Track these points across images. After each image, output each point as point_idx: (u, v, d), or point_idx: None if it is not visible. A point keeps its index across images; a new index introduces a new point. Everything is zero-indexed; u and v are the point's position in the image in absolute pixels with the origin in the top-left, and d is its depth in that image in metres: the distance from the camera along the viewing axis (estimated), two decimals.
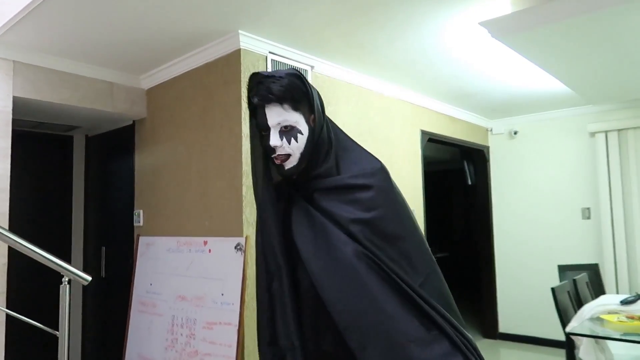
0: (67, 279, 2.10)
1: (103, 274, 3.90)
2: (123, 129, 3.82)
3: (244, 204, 2.73)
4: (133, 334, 3.34)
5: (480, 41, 3.07)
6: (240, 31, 2.80)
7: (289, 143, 1.13)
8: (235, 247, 2.65)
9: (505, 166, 5.60)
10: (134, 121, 3.70)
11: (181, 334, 2.92)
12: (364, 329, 1.03)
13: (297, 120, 1.14)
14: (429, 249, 1.23)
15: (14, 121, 2.92)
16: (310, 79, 3.29)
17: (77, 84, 3.20)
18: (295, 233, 1.15)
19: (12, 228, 2.71)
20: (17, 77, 2.92)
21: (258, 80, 1.15)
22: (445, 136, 4.86)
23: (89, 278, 2.16)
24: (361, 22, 2.76)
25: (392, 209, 1.16)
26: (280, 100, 1.11)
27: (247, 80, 1.19)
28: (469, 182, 5.86)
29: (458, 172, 6.38)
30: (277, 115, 1.12)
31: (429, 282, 1.12)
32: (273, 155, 1.15)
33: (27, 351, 2.95)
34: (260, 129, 1.17)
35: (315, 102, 1.18)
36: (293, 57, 3.15)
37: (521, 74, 3.85)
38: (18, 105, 2.99)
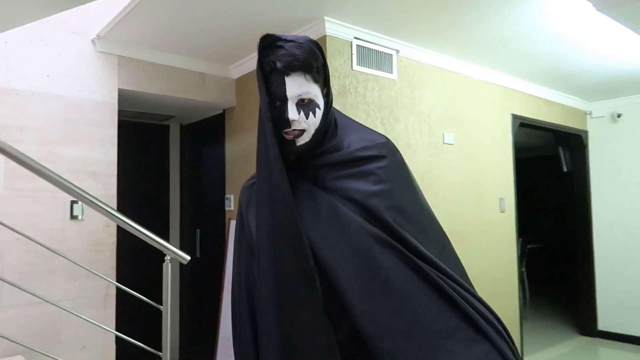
0: (169, 258, 2.26)
1: (198, 254, 4.15)
2: (214, 117, 4.01)
3: None
4: (226, 313, 3.52)
5: (582, 15, 2.84)
6: (325, 17, 2.81)
7: (307, 117, 1.01)
8: None
9: (606, 152, 5.17)
10: (224, 110, 3.87)
11: None
12: (381, 321, 0.93)
13: (317, 93, 1.02)
14: (439, 222, 1.14)
15: (118, 112, 3.17)
16: (395, 63, 3.24)
17: (173, 75, 3.40)
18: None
19: (119, 210, 2.96)
20: (121, 71, 3.16)
21: (277, 44, 1.00)
22: (539, 120, 4.58)
23: (188, 258, 2.31)
24: (450, 3, 2.66)
25: (406, 180, 1.08)
26: (305, 69, 0.98)
27: (259, 40, 1.02)
28: (565, 170, 5.49)
29: (552, 158, 6.00)
30: (298, 86, 0.99)
31: (444, 256, 1.04)
32: (286, 130, 1.01)
33: (132, 323, 3.22)
34: (272, 99, 1.01)
35: (328, 74, 1.08)
36: (378, 41, 3.12)
37: (627, 51, 3.52)
38: (122, 97, 3.24)
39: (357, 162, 1.03)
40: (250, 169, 3.49)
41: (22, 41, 2.78)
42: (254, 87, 3.51)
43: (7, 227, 2.00)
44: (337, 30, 2.90)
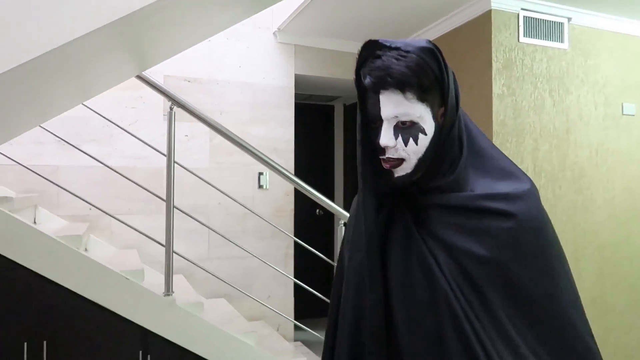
0: (342, 222, 2.56)
1: None
2: None
3: None
4: None
5: None
6: None
7: (406, 145, 0.80)
8: None
9: None
10: None
11: None
12: None
13: (422, 114, 0.80)
14: (584, 310, 0.84)
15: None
16: (566, 31, 3.09)
17: (341, 59, 3.70)
18: (388, 259, 0.85)
19: None
20: (297, 59, 3.56)
21: (375, 53, 0.81)
22: None
23: None
24: None
25: (540, 253, 0.80)
26: (403, 86, 0.78)
27: (361, 48, 0.83)
28: None
29: None
30: (395, 106, 0.79)
31: None
32: (382, 157, 0.83)
33: (306, 279, 3.67)
34: (369, 119, 0.84)
35: (450, 90, 0.83)
36: (547, 10, 3.00)
37: None
38: (297, 82, 3.65)
39: (474, 214, 0.81)
40: None
41: (220, 39, 3.32)
42: None
43: (221, 191, 2.50)
44: (502, 3, 2.88)
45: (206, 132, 3.23)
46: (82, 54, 1.35)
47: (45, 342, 1.99)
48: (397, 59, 0.78)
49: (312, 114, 4.74)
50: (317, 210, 4.33)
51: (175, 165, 2.29)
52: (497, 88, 2.86)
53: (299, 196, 3.14)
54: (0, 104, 1.44)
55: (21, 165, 2.34)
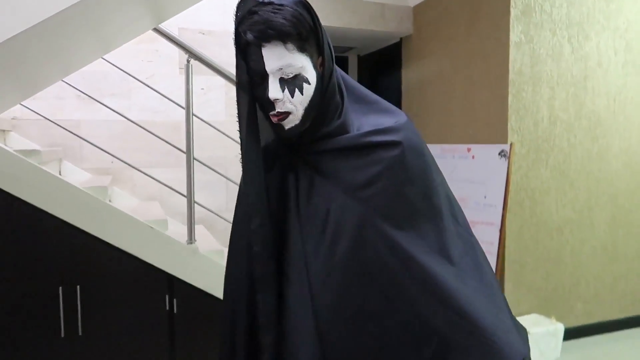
0: None
1: None
2: (390, 46, 4.19)
3: (509, 112, 2.81)
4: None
5: None
6: None
7: (292, 96, 0.84)
8: (499, 154, 2.79)
9: None
10: (400, 39, 4.02)
11: None
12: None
13: (304, 65, 0.84)
14: (465, 217, 0.96)
15: None
16: None
17: (356, 8, 3.64)
18: (292, 212, 0.91)
19: None
20: None
21: (251, 9, 0.82)
22: None
23: None
24: None
25: (423, 170, 0.89)
26: (284, 37, 0.81)
27: (236, 7, 0.85)
28: None
29: None
30: (278, 59, 0.82)
31: (466, 267, 0.88)
32: (271, 113, 0.85)
33: None
34: (251, 76, 0.86)
35: (324, 39, 0.88)
36: None
37: None
38: None
39: (366, 150, 0.88)
40: (428, 97, 3.75)
41: None
42: (432, 14, 3.60)
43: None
44: None
45: (222, 85, 3.25)
46: (103, 6, 1.37)
47: (78, 287, 2.11)
48: (274, 12, 0.80)
49: None
50: None
51: (193, 118, 2.33)
52: (514, 35, 2.81)
53: None
54: (26, 59, 1.49)
55: (48, 119, 2.40)
